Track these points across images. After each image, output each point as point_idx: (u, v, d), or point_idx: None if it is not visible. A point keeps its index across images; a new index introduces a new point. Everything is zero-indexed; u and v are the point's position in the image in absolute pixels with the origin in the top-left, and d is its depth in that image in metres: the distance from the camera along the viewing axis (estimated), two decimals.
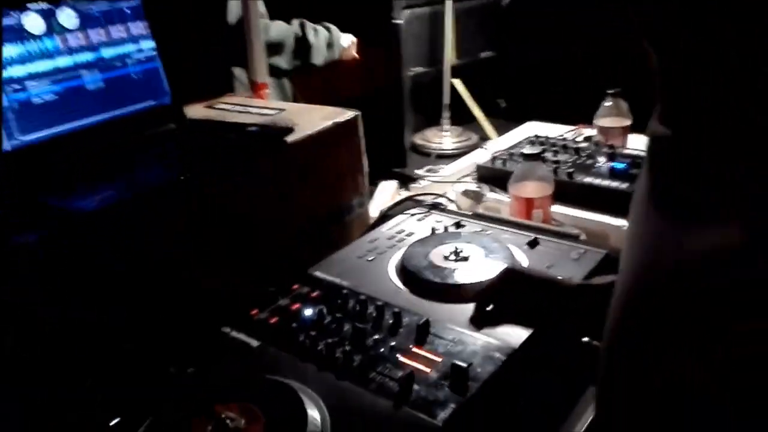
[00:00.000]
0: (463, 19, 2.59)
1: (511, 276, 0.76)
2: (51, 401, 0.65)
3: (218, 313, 0.78)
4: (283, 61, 1.65)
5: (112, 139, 0.94)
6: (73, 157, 0.87)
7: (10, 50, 0.82)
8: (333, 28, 1.76)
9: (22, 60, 0.84)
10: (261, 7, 1.54)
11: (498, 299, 0.74)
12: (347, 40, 1.83)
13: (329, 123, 1.00)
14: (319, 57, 1.72)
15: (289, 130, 0.94)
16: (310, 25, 1.70)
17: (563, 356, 0.74)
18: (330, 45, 1.75)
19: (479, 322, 0.72)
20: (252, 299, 0.81)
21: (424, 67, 2.59)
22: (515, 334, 0.70)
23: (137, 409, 0.61)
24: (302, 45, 1.67)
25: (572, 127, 1.71)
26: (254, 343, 0.73)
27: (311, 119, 1.01)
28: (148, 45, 1.02)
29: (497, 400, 0.64)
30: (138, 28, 1.01)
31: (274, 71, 1.58)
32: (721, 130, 0.38)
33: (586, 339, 0.75)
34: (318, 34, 1.71)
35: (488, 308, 0.74)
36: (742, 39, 0.34)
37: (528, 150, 1.16)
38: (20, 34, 0.84)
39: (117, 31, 0.98)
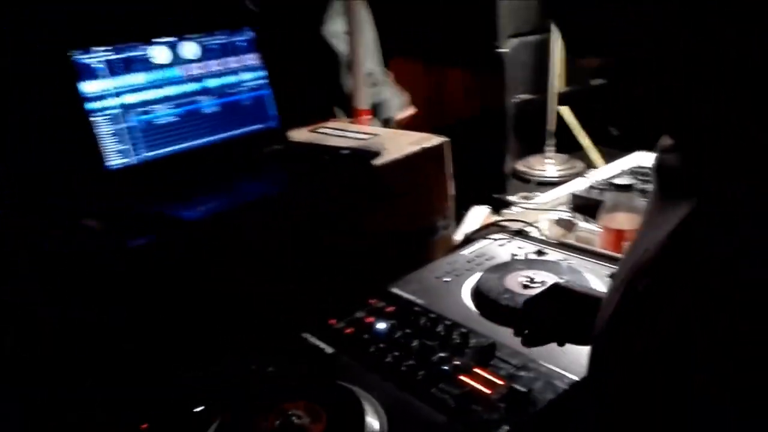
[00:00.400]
0: None
1: (556, 291, 0.73)
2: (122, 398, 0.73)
3: (301, 319, 0.84)
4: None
5: (222, 158, 1.04)
6: (187, 172, 0.98)
7: (139, 78, 0.95)
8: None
9: (150, 86, 0.96)
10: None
11: (538, 312, 0.72)
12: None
13: (417, 148, 1.04)
14: (392, 113, 1.80)
15: (377, 153, 1.00)
16: (392, 80, 1.77)
17: None
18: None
19: (517, 332, 0.71)
20: (332, 309, 0.86)
21: (530, 94, 2.58)
22: (581, 365, 0.70)
23: (217, 401, 0.68)
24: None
25: None
26: (329, 349, 0.78)
27: (401, 144, 1.06)
28: (260, 74, 1.13)
29: (554, 427, 0.65)
30: (251, 59, 1.12)
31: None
32: (722, 147, 0.38)
33: None
34: (396, 93, 1.78)
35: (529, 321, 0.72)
36: (742, 40, 0.34)
37: (619, 180, 1.13)
38: (148, 64, 0.96)
39: (232, 61, 1.09)
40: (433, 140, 1.07)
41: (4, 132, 0.92)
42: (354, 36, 1.38)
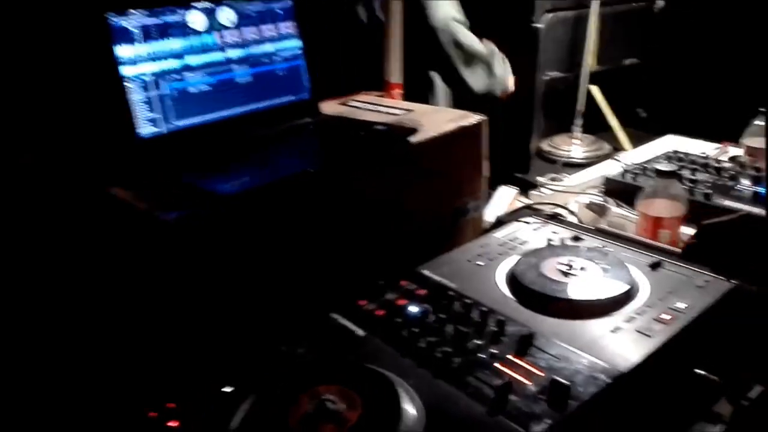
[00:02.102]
0: (609, 24, 2.48)
1: (750, 220, 0.67)
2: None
3: (330, 298, 0.83)
4: (476, 82, 1.68)
5: (254, 129, 1.02)
6: (219, 144, 0.96)
7: (174, 44, 0.92)
8: (507, 62, 1.76)
9: (184, 52, 0.94)
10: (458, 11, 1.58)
11: (725, 235, 0.66)
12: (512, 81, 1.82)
13: (454, 126, 1.01)
14: (498, 89, 1.74)
15: (413, 130, 0.97)
16: (499, 55, 1.71)
17: (674, 386, 0.70)
18: (505, 79, 1.76)
19: (692, 250, 0.65)
20: (362, 290, 0.84)
21: (561, 72, 2.52)
22: (625, 358, 0.68)
23: (246, 382, 0.67)
24: (489, 69, 1.70)
25: (716, 145, 1.58)
26: (360, 332, 0.76)
27: (437, 121, 1.03)
28: (295, 44, 1.10)
29: (596, 422, 0.63)
30: (287, 27, 1.09)
31: (450, 81, 1.62)
32: None
33: (700, 371, 0.71)
34: (505, 65, 1.72)
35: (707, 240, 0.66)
36: None
37: (664, 166, 1.10)
38: (184, 30, 0.94)
39: (268, 29, 1.06)
40: (470, 118, 1.04)
41: (38, 95, 0.91)
42: (390, 3, 1.33)
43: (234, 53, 1.00)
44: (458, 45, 1.63)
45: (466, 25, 1.66)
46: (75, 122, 0.92)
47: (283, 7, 1.06)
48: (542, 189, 1.50)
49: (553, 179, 1.57)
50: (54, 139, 0.90)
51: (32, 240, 0.79)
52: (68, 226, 0.81)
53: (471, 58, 1.64)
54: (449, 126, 1.01)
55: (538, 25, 2.18)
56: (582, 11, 2.37)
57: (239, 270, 0.79)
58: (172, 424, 0.64)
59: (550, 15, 2.27)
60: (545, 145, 2.60)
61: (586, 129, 2.64)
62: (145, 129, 0.90)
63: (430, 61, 1.60)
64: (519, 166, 2.27)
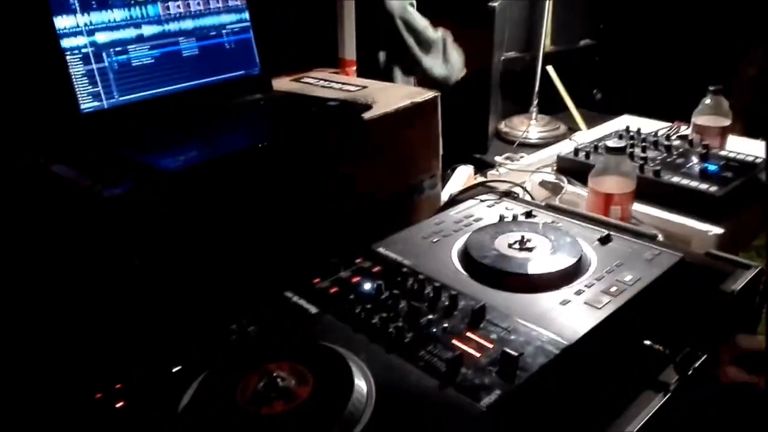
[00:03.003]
0: (564, 4, 2.50)
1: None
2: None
3: (283, 278, 0.81)
4: (436, 67, 1.67)
5: (201, 105, 0.99)
6: (164, 119, 0.92)
7: (116, 14, 0.88)
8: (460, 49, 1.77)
9: (126, 24, 0.90)
10: None
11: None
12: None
13: (407, 102, 1.00)
14: (454, 75, 1.74)
15: (367, 107, 0.96)
16: (452, 41, 1.71)
17: (621, 357, 0.71)
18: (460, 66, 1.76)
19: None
20: (316, 268, 0.83)
21: (518, 52, 2.54)
22: (573, 330, 0.69)
23: (195, 361, 0.65)
24: (445, 54, 1.70)
25: (669, 124, 1.62)
26: (313, 309, 0.75)
27: (390, 97, 1.02)
28: (243, 17, 1.07)
29: (545, 392, 0.64)
30: None
31: (408, 67, 1.61)
32: None
33: (647, 342, 0.73)
34: (458, 51, 1.72)
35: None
36: None
37: (613, 143, 1.12)
38: (127, 0, 0.89)
39: (215, 1, 1.03)
40: (424, 94, 1.03)
41: None
42: None
43: (179, 25, 0.96)
44: (414, 31, 1.62)
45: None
46: (14, 97, 0.87)
47: None
48: (498, 168, 1.51)
49: (508, 158, 1.58)
50: None
51: None
52: (9, 205, 0.77)
53: (427, 44, 1.64)
54: (403, 102, 1.00)
55: (494, 4, 2.18)
56: None
57: (187, 247, 0.77)
58: (119, 404, 0.62)
59: None
60: (503, 126, 2.62)
61: (543, 110, 2.67)
62: (86, 104, 0.86)
63: (385, 46, 1.59)
64: (477, 147, 2.29)
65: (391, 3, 1.55)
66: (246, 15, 1.06)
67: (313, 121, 0.94)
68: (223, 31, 1.04)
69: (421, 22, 1.65)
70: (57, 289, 0.71)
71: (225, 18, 1.04)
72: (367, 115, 0.96)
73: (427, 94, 1.04)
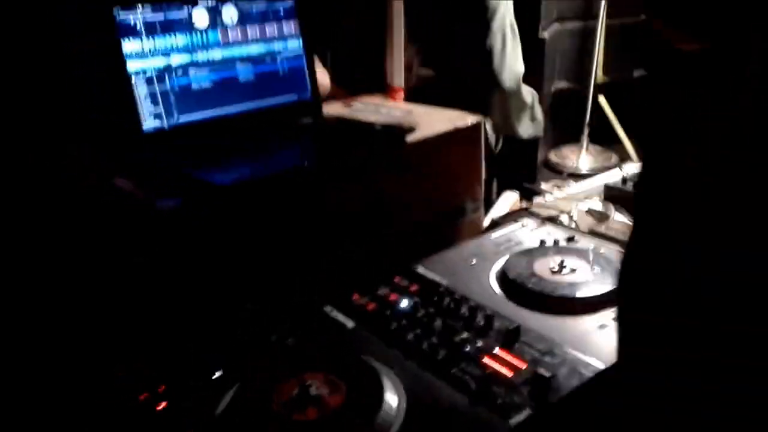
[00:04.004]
0: (617, 35, 2.48)
1: None
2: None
3: (324, 292, 0.84)
4: (527, 130, 1.72)
5: (254, 127, 1.04)
6: (219, 139, 0.98)
7: (178, 40, 0.95)
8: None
9: (187, 49, 0.96)
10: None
11: None
12: None
13: (450, 126, 1.03)
14: (540, 132, 1.78)
15: (410, 130, 0.99)
16: (536, 98, 1.75)
17: None
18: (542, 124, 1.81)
19: None
20: (356, 285, 0.86)
21: (569, 83, 2.52)
22: (609, 354, 0.68)
23: (235, 369, 0.68)
24: (534, 115, 1.75)
25: None
26: (350, 324, 0.77)
27: (434, 121, 1.05)
28: (297, 44, 1.12)
29: (578, 414, 0.63)
30: (290, 27, 1.11)
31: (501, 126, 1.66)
32: None
33: None
34: (541, 110, 1.77)
35: None
36: None
37: None
38: (188, 27, 0.96)
39: (271, 28, 1.08)
40: (467, 119, 1.05)
41: (49, 87, 0.93)
42: (394, 8, 1.35)
43: (237, 51, 1.02)
44: (519, 99, 1.67)
45: None
46: (83, 115, 0.94)
47: (285, 6, 1.08)
48: (545, 196, 1.50)
49: (555, 186, 1.57)
50: (62, 132, 0.92)
51: (36, 232, 0.81)
52: (74, 216, 0.83)
53: (523, 107, 1.68)
54: (445, 126, 1.02)
55: (543, 36, 2.18)
56: (589, 22, 2.37)
57: (234, 259, 0.80)
58: (161, 406, 0.65)
59: (557, 25, 2.27)
60: (553, 156, 2.59)
61: (596, 140, 2.64)
62: (148, 123, 0.92)
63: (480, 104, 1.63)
64: (526, 176, 2.27)
65: (510, 72, 1.59)
66: (299, 43, 1.11)
67: (357, 144, 0.97)
68: (278, 58, 1.09)
69: (529, 97, 1.70)
70: (109, 292, 0.76)
71: (280, 45, 1.09)
72: (410, 138, 0.98)
73: (470, 119, 1.05)
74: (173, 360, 0.71)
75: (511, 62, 1.61)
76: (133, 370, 0.70)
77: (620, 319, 0.56)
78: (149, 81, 0.91)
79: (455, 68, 1.54)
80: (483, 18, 1.53)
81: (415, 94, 1.38)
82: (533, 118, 1.76)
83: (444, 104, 1.16)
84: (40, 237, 0.82)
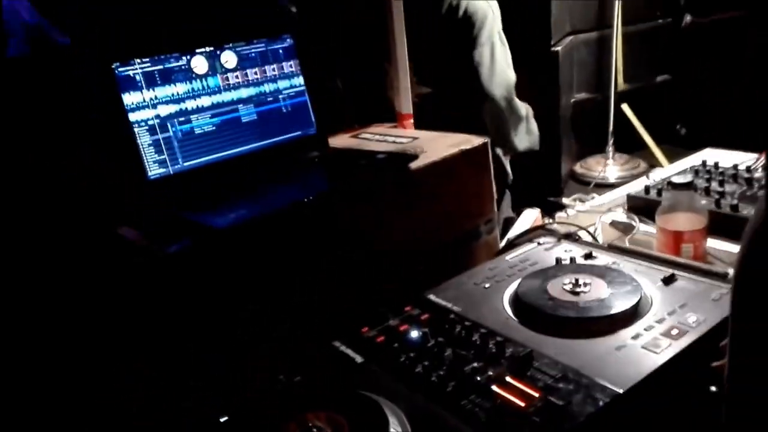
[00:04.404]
0: (634, 42, 2.44)
1: None
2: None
3: (334, 327, 0.82)
4: (523, 142, 1.73)
5: (260, 165, 1.05)
6: (225, 180, 0.98)
7: (179, 88, 0.96)
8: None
9: (189, 96, 0.98)
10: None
11: None
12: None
13: (455, 150, 1.01)
14: (536, 144, 1.78)
15: (414, 156, 0.98)
16: (531, 112, 1.76)
17: (684, 405, 0.66)
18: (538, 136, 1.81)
19: None
20: (366, 317, 0.84)
21: (588, 93, 2.49)
22: (627, 376, 0.65)
23: (242, 412, 0.67)
24: (529, 128, 1.75)
25: (754, 155, 1.52)
26: (359, 359, 0.76)
27: (440, 146, 1.03)
28: (299, 81, 1.13)
29: None
30: (290, 66, 1.12)
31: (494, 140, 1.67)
32: None
33: (714, 388, 0.67)
34: (535, 123, 1.78)
35: None
36: None
37: (677, 179, 1.06)
38: (188, 74, 0.98)
39: (271, 69, 1.10)
40: (473, 141, 1.04)
41: (52, 142, 0.96)
42: (395, 35, 1.35)
43: (238, 94, 1.04)
44: (513, 111, 1.67)
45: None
46: (89, 168, 0.97)
47: (284, 46, 1.09)
48: (567, 210, 1.46)
49: (578, 199, 1.53)
50: (69, 184, 0.95)
51: (44, 286, 0.83)
52: (81, 268, 0.84)
53: (518, 120, 1.69)
54: (451, 150, 1.01)
55: (556, 49, 2.17)
56: (604, 31, 2.34)
57: (239, 299, 0.80)
58: None
59: (571, 38, 2.25)
60: (578, 168, 2.55)
61: (622, 148, 2.58)
62: (153, 171, 0.94)
63: (474, 121, 1.63)
64: (551, 190, 2.24)
65: (496, 83, 1.60)
66: (301, 80, 1.12)
67: (359, 173, 0.96)
68: (280, 96, 1.10)
69: (523, 110, 1.70)
70: (119, 340, 0.76)
71: (281, 84, 1.10)
72: (414, 165, 0.97)
73: (476, 141, 1.04)
74: (179, 404, 0.71)
75: (501, 70, 1.60)
76: (138, 416, 0.70)
77: (734, 319, 0.48)
78: (152, 130, 0.93)
79: (450, 85, 1.54)
80: (470, 32, 1.53)
81: (416, 113, 1.38)
82: (529, 131, 1.74)
83: (445, 121, 1.15)
84: (39, 239, 0.83)
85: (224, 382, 0.74)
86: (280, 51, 1.09)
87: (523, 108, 1.71)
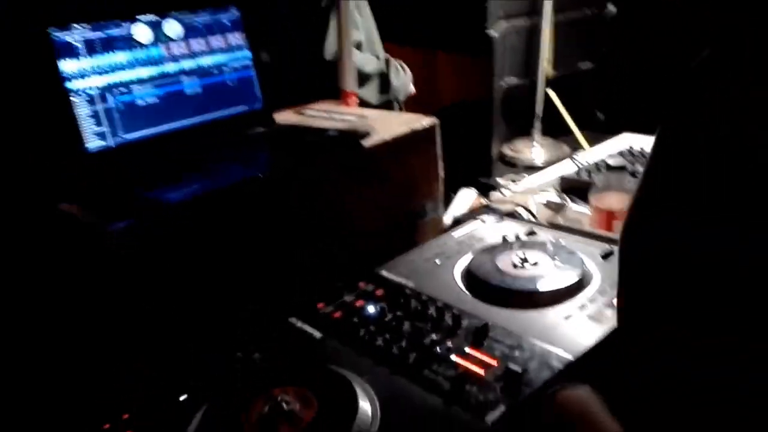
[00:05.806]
0: (563, 30, 2.53)
1: None
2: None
3: (288, 304, 0.82)
4: (372, 97, 1.74)
5: (205, 140, 1.02)
6: (169, 155, 0.95)
7: (120, 57, 0.92)
8: (407, 68, 1.83)
9: (130, 66, 0.93)
10: (357, 35, 1.62)
11: None
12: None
13: (406, 129, 1.02)
14: (400, 95, 1.80)
15: (366, 135, 0.98)
16: (394, 64, 1.77)
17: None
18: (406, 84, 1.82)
19: None
20: (320, 293, 0.84)
21: (519, 78, 2.56)
22: (577, 343, 0.69)
23: (202, 390, 0.66)
24: (385, 81, 1.76)
25: None
26: (317, 334, 0.76)
27: (389, 125, 1.04)
28: (244, 55, 1.10)
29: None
30: (236, 38, 1.09)
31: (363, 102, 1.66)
32: None
33: None
34: (399, 74, 1.78)
35: None
36: None
37: (613, 162, 1.13)
38: (129, 43, 0.93)
39: (216, 41, 1.06)
40: (423, 121, 1.05)
41: None
42: (342, 11, 1.34)
43: (182, 65, 1.00)
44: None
45: (363, 44, 1.68)
46: (23, 139, 0.90)
47: (230, 18, 1.06)
48: (502, 190, 1.52)
49: (511, 180, 1.59)
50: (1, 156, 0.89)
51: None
52: (20, 244, 0.80)
53: (364, 77, 1.69)
54: (401, 129, 1.02)
55: (493, 33, 2.21)
56: (536, 19, 2.41)
57: (192, 277, 0.78)
58: None
59: (504, 23, 2.31)
60: (507, 149, 2.62)
61: (548, 132, 2.68)
62: (92, 143, 0.89)
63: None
64: (482, 170, 2.29)
65: (328, 50, 1.58)
66: (247, 53, 1.10)
67: (311, 151, 0.96)
68: (225, 69, 1.07)
69: (370, 65, 1.70)
70: (64, 321, 0.73)
71: (227, 56, 1.07)
72: (366, 143, 0.97)
73: (426, 121, 1.06)
74: (136, 386, 0.69)
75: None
76: (94, 399, 0.67)
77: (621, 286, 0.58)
78: (91, 100, 0.88)
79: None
80: None
81: None
82: (386, 85, 1.76)
83: None
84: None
85: (179, 361, 0.72)
86: (226, 22, 1.06)
87: (373, 64, 1.71)
